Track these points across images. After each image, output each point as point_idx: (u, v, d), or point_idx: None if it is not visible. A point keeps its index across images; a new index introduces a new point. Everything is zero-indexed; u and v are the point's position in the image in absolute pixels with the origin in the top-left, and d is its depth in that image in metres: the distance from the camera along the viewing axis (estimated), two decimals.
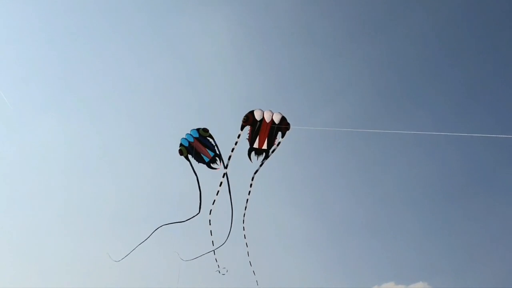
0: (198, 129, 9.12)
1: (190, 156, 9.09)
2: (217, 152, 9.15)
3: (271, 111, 8.70)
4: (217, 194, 9.10)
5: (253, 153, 9.05)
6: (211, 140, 9.15)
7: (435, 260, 16.60)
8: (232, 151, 8.96)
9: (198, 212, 9.05)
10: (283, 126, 8.73)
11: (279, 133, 8.85)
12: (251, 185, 9.18)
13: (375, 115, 17.60)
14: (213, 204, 9.16)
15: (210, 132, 9.15)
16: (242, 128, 8.81)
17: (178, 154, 9.06)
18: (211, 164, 9.17)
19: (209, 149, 9.15)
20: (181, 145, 9.06)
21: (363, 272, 16.25)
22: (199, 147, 9.12)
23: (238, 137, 8.86)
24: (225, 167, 9.05)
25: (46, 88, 16.87)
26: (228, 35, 17.37)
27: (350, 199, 17.59)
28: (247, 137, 8.91)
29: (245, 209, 9.26)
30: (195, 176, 9.09)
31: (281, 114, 8.70)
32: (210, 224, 9.23)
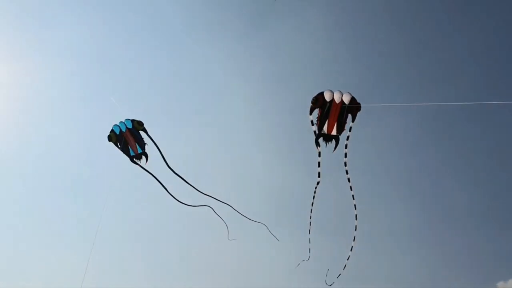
0: (133, 121, 8.82)
1: (118, 144, 8.82)
2: (145, 150, 8.91)
3: (340, 91, 8.32)
4: (313, 198, 8.82)
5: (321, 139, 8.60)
6: (143, 134, 8.87)
7: None
8: (318, 146, 8.52)
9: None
10: (354, 106, 8.29)
11: (349, 116, 8.41)
12: (347, 175, 8.62)
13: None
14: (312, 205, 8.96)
15: (145, 126, 8.87)
16: (311, 112, 8.39)
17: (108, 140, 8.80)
18: (135, 159, 8.87)
19: (138, 144, 8.87)
20: (112, 131, 8.77)
21: (487, 267, 14.78)
22: (129, 140, 8.83)
23: (312, 124, 8.42)
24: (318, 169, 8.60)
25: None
26: (324, 32, 17.40)
27: (473, 190, 16.21)
28: (316, 122, 8.48)
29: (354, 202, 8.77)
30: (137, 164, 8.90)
31: (350, 94, 8.30)
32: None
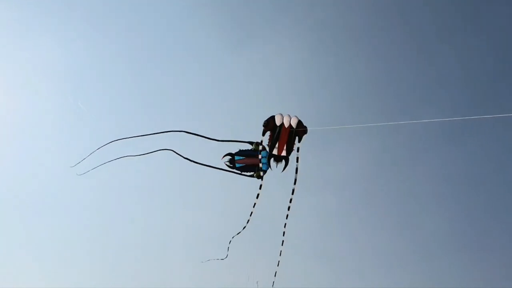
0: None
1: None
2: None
3: (289, 115, 9.01)
4: (254, 206, 9.08)
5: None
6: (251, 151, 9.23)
7: None
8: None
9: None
10: (301, 130, 9.01)
11: (297, 138, 9.12)
12: (290, 200, 9.00)
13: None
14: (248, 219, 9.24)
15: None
16: (263, 134, 9.01)
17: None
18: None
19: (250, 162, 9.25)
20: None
21: None
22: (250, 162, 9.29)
23: (261, 143, 9.03)
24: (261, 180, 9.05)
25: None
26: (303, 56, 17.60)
27: (444, 214, 15.84)
28: (267, 143, 9.10)
29: (285, 227, 9.12)
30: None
31: (297, 118, 9.00)
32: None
